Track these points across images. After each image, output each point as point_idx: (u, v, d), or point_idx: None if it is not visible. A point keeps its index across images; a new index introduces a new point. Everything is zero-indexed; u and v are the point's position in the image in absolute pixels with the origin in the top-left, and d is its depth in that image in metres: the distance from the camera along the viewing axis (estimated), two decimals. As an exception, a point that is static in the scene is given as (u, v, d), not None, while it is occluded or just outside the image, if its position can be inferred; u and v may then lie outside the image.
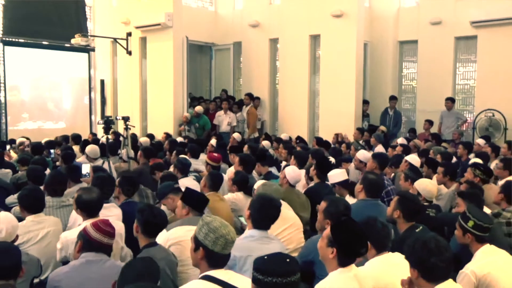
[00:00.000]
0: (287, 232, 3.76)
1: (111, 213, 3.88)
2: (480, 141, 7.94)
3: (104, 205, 3.87)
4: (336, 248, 2.46)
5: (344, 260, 2.47)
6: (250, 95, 11.24)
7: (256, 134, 10.83)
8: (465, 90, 10.67)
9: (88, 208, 3.48)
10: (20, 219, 3.53)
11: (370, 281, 2.58)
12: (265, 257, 2.15)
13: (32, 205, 3.68)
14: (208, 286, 2.34)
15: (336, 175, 4.77)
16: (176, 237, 3.29)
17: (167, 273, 3.01)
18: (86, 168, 5.22)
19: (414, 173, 4.87)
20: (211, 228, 2.41)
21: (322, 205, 3.43)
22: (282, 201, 3.96)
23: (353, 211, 3.60)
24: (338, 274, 2.45)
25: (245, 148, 6.99)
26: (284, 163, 6.89)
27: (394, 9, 11.22)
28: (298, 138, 9.20)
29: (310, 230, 4.22)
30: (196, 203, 3.55)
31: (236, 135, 8.86)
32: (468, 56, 10.46)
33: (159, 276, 2.44)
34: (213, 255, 2.41)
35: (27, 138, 8.45)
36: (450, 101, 9.87)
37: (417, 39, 10.89)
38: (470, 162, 5.78)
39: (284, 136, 9.96)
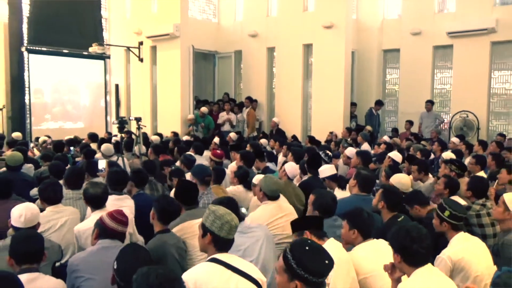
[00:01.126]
0: (283, 220, 3.73)
1: (125, 204, 3.86)
2: (455, 140, 7.94)
3: (118, 196, 3.88)
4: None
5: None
6: (249, 98, 11.24)
7: (255, 133, 10.86)
8: (442, 93, 10.68)
9: (94, 201, 3.46)
10: (43, 210, 3.52)
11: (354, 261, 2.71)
12: (307, 248, 1.90)
13: (50, 197, 3.66)
14: (215, 268, 2.35)
15: (326, 170, 4.76)
16: (180, 235, 3.26)
17: (176, 257, 3.01)
18: (102, 164, 5.21)
19: (393, 170, 4.83)
20: (217, 215, 2.41)
21: (311, 198, 3.43)
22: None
23: (346, 204, 3.60)
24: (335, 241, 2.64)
25: (248, 146, 6.97)
26: (281, 158, 6.86)
27: (379, 21, 11.22)
28: (293, 136, 9.19)
29: (303, 219, 4.21)
30: (184, 197, 3.50)
31: (232, 135, 8.77)
32: (445, 63, 10.47)
33: (151, 261, 2.37)
34: (219, 240, 2.40)
35: (49, 137, 8.45)
36: (430, 103, 9.94)
37: (399, 48, 10.90)
38: (442, 158, 5.79)
39: (275, 119, 10.42)
